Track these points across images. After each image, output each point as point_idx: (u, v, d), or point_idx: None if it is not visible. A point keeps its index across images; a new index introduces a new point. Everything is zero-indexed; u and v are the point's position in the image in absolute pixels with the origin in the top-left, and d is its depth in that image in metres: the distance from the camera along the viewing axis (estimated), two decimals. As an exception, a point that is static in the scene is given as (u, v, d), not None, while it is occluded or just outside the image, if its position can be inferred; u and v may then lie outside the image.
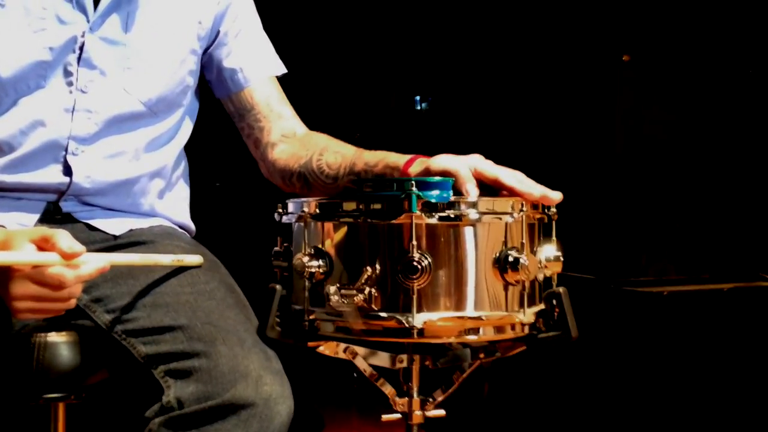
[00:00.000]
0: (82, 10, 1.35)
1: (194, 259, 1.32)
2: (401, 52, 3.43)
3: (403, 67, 3.42)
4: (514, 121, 2.67)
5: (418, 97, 3.34)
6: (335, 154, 1.41)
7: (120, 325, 1.23)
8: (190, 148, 1.57)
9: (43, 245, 1.07)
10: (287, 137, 1.50)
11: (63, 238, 1.08)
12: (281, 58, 1.59)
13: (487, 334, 1.14)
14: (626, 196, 2.20)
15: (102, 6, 1.36)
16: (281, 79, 1.58)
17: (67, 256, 1.07)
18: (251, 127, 1.52)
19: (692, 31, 2.44)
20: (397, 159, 1.32)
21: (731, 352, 2.15)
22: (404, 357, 1.24)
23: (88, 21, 1.35)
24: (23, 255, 1.07)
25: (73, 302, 1.12)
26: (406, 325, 1.08)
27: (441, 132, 3.09)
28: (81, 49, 1.35)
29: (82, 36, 1.35)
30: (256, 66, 1.52)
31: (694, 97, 2.28)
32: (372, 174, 1.35)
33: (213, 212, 1.83)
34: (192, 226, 1.55)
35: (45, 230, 1.09)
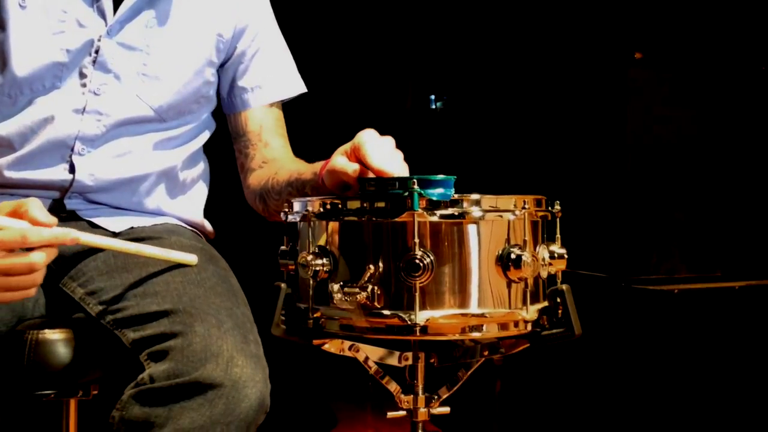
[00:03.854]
0: (102, 14, 1.38)
1: (187, 257, 1.31)
2: (416, 52, 3.44)
3: (418, 67, 3.43)
4: (526, 119, 2.67)
5: (433, 96, 3.35)
6: (286, 170, 1.44)
7: (111, 315, 1.25)
8: (214, 151, 1.59)
9: (14, 215, 1.08)
10: (266, 162, 1.53)
11: (34, 206, 1.08)
12: (296, 62, 1.61)
13: (490, 331, 1.15)
14: (637, 194, 2.20)
15: (121, 11, 1.39)
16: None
17: (36, 224, 1.07)
18: (239, 152, 1.57)
19: (703, 28, 2.43)
20: (319, 164, 1.34)
21: (743, 350, 2.14)
22: (409, 354, 1.25)
23: (106, 26, 1.38)
24: None
25: (38, 276, 1.10)
26: (409, 323, 1.09)
27: (456, 131, 3.09)
28: (97, 52, 1.38)
29: (99, 40, 1.38)
30: (262, 91, 1.55)
31: (706, 95, 2.27)
32: (301, 182, 1.37)
33: (233, 212, 1.85)
34: (208, 226, 1.57)
35: (19, 201, 1.10)
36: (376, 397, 2.50)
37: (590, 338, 2.17)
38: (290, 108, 1.65)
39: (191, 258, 1.31)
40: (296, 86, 1.60)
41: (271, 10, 1.60)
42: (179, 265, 1.29)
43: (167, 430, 1.12)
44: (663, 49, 2.40)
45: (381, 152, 1.20)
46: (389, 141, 1.24)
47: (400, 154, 1.24)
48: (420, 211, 1.09)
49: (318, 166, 1.36)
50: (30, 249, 1.08)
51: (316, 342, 1.18)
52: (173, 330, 1.17)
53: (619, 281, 2.16)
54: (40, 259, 1.08)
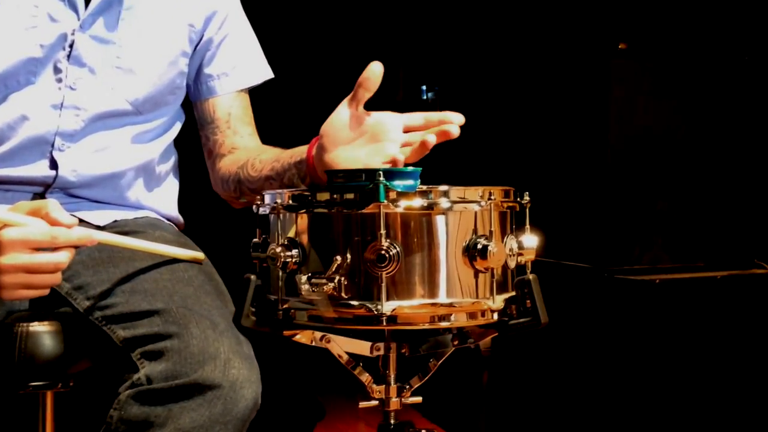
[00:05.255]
0: (74, 8, 1.38)
1: (196, 254, 1.34)
2: (407, 43, 3.45)
3: (409, 58, 3.43)
4: (513, 110, 2.68)
5: (424, 87, 3.36)
6: (267, 153, 1.44)
7: (99, 312, 1.25)
8: (180, 142, 1.60)
9: (33, 215, 1.11)
10: (236, 149, 1.53)
11: (54, 208, 1.12)
12: (285, 50, 1.61)
13: (458, 320, 1.16)
14: (619, 184, 2.20)
15: (93, 5, 1.38)
16: (286, 73, 1.60)
17: (58, 224, 1.11)
18: (207, 138, 1.57)
19: (686, 18, 2.43)
20: (302, 148, 1.36)
21: (725, 340, 2.15)
22: (381, 345, 1.26)
23: (78, 19, 1.38)
24: (12, 215, 1.10)
25: (59, 276, 1.14)
26: (376, 313, 1.10)
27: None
28: (71, 46, 1.37)
29: (72, 34, 1.37)
30: (229, 79, 1.54)
31: (688, 85, 2.28)
32: (285, 167, 1.38)
33: (202, 204, 1.86)
34: (180, 218, 1.58)
35: (37, 201, 1.13)
36: (365, 389, 2.51)
37: (574, 329, 2.20)
38: (278, 97, 1.66)
39: (200, 255, 1.34)
40: (263, 72, 1.60)
41: None
42: (166, 262, 1.31)
43: (167, 430, 1.14)
44: (646, 39, 2.41)
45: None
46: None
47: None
48: (386, 202, 1.10)
49: (302, 150, 1.36)
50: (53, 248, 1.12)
51: (286, 333, 1.20)
52: (168, 331, 1.19)
53: (601, 271, 2.17)
54: (65, 258, 1.12)
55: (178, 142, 1.59)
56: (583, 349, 2.21)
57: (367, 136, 1.26)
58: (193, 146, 1.64)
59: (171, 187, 1.57)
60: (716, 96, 2.30)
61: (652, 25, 2.44)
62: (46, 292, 1.16)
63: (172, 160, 1.57)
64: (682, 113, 2.26)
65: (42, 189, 1.40)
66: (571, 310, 2.20)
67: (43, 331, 1.26)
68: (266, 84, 1.62)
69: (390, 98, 3.46)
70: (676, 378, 2.10)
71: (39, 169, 1.38)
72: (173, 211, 1.56)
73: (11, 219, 1.11)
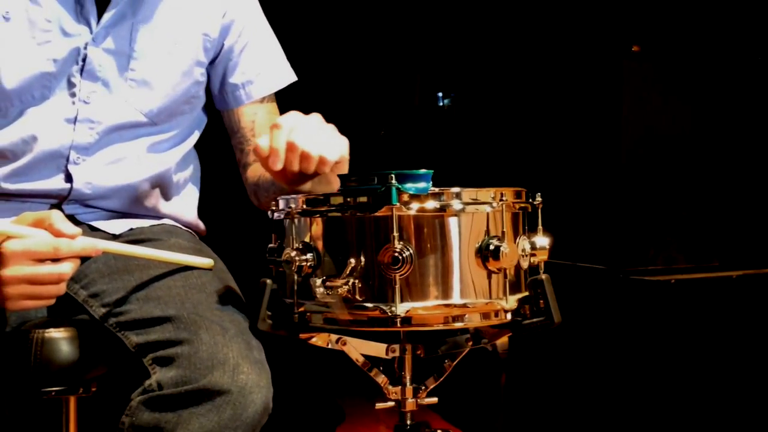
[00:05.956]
0: (86, 22, 1.38)
1: (204, 261, 1.35)
2: (423, 49, 3.46)
3: (425, 64, 3.45)
4: (527, 113, 2.69)
5: (440, 94, 3.37)
6: None
7: (114, 318, 1.27)
8: (203, 148, 1.62)
9: (37, 226, 1.13)
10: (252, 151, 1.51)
11: (58, 219, 1.13)
12: (303, 57, 1.61)
13: (472, 321, 1.17)
14: (634, 185, 2.21)
15: (105, 18, 1.38)
16: (303, 78, 1.60)
17: (61, 235, 1.12)
18: (236, 147, 1.58)
19: (699, 19, 2.43)
20: None
21: (741, 340, 2.14)
22: (396, 346, 1.28)
23: (91, 33, 1.38)
24: (15, 227, 1.12)
25: (63, 287, 1.15)
26: (390, 315, 1.11)
27: (464, 127, 3.11)
28: (84, 60, 1.37)
29: (85, 48, 1.38)
30: (253, 86, 1.54)
31: (700, 86, 2.28)
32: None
33: (224, 210, 1.88)
34: (200, 224, 1.59)
35: (40, 213, 1.14)
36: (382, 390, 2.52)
37: (590, 330, 2.20)
38: (297, 105, 1.66)
39: (208, 262, 1.35)
40: (286, 76, 1.60)
41: (256, 1, 1.59)
42: (180, 269, 1.32)
43: None
44: (658, 40, 2.41)
45: (298, 130, 1.22)
46: (309, 118, 1.25)
47: (326, 129, 1.25)
48: (399, 205, 1.11)
49: None
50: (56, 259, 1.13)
51: (302, 336, 1.21)
52: (179, 337, 1.20)
53: (617, 272, 2.18)
54: (69, 269, 1.14)
55: (201, 147, 1.60)
56: (599, 350, 2.21)
57: None
58: (216, 151, 1.65)
59: (190, 195, 1.57)
60: (729, 96, 2.30)
61: (665, 27, 2.45)
62: (52, 302, 1.17)
63: (191, 167, 1.57)
64: (695, 114, 2.27)
65: (58, 201, 1.41)
66: (587, 312, 2.20)
67: (59, 338, 1.28)
68: (284, 88, 1.62)
69: (406, 104, 3.47)
70: (693, 378, 2.10)
71: (55, 183, 1.39)
72: (193, 217, 1.57)
73: (14, 231, 1.12)
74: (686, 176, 2.25)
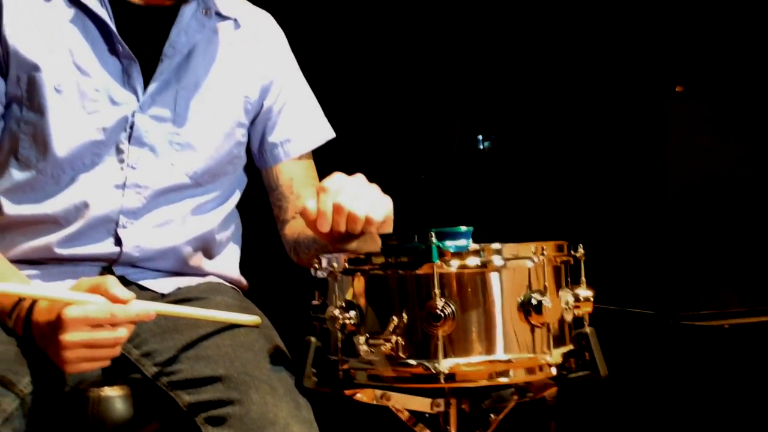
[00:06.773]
0: (133, 90, 1.42)
1: (251, 318, 1.38)
2: (462, 92, 3.48)
3: (464, 107, 3.47)
4: (571, 156, 2.68)
5: (480, 136, 3.39)
6: None
7: (166, 377, 1.30)
8: (244, 205, 1.65)
9: (93, 292, 1.17)
10: (298, 214, 1.54)
11: (113, 284, 1.17)
12: (345, 103, 1.63)
13: (517, 375, 1.17)
14: (683, 228, 2.18)
15: (152, 86, 1.43)
16: (346, 123, 1.61)
17: (117, 300, 1.16)
18: (274, 204, 1.61)
19: (741, 58, 2.41)
20: None
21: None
22: (441, 401, 1.27)
23: (138, 101, 1.42)
24: (73, 294, 1.17)
25: (118, 350, 1.20)
26: (433, 371, 1.11)
27: (504, 169, 3.12)
28: (132, 127, 1.42)
29: (133, 116, 1.42)
30: (291, 145, 1.58)
31: (746, 125, 2.26)
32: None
33: (263, 266, 1.90)
34: (243, 280, 1.62)
35: (96, 279, 1.19)
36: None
37: (641, 376, 2.16)
38: (338, 151, 1.67)
39: (254, 319, 1.38)
40: (324, 133, 1.63)
41: (294, 61, 1.63)
42: (228, 327, 1.35)
43: None
44: (702, 81, 2.40)
45: (344, 192, 1.22)
46: (353, 180, 1.25)
47: (371, 189, 1.25)
48: (439, 262, 1.12)
49: None
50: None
51: (347, 392, 1.22)
52: (230, 397, 1.23)
53: (668, 318, 2.14)
54: (124, 334, 1.18)
55: (242, 203, 1.63)
56: (651, 398, 2.17)
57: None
58: (256, 208, 1.68)
59: (232, 252, 1.60)
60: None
61: (708, 67, 2.43)
62: (107, 363, 1.21)
63: (233, 227, 1.60)
64: (742, 152, 2.24)
65: (108, 264, 1.45)
66: (637, 358, 2.16)
67: (113, 396, 1.31)
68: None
69: (446, 148, 3.49)
70: (749, 428, 2.04)
71: (105, 247, 1.43)
72: (235, 274, 1.60)
73: (73, 298, 1.17)
74: (737, 216, 2.21)
